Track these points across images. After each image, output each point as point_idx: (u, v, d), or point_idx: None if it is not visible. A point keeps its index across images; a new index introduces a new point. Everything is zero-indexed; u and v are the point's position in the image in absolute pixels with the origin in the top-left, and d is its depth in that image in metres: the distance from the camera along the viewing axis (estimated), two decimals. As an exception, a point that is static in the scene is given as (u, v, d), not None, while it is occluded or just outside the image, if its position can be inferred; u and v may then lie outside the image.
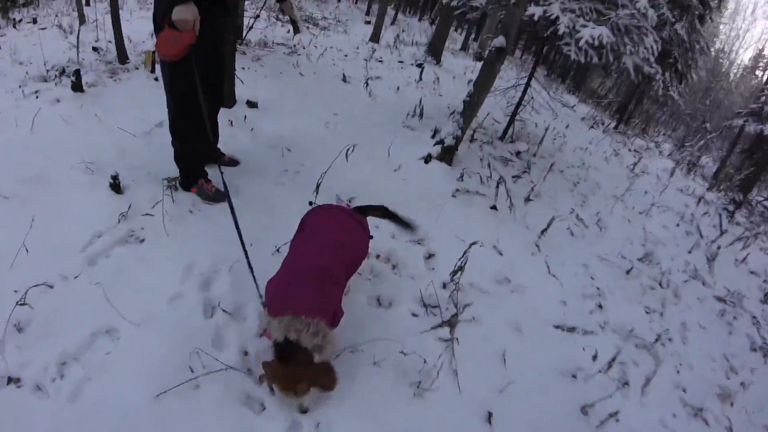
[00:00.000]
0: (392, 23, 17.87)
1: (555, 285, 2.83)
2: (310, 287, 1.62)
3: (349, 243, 1.86)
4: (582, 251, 3.40)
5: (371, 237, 2.09)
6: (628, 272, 3.35)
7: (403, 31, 15.54)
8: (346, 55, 8.07)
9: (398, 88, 6.17)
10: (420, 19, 22.79)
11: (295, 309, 1.53)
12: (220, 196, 2.66)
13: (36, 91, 3.62)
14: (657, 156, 9.48)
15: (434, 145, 3.67)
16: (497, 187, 3.39)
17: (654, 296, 3.25)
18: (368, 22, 14.09)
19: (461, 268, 2.32)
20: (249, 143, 3.35)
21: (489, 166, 3.93)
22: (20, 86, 3.69)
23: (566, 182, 4.68)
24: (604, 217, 4.23)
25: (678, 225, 4.94)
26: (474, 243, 2.40)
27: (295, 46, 7.50)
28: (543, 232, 3.20)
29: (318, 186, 2.76)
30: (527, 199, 3.65)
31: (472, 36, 18.83)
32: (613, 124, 11.15)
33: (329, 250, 1.76)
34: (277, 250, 2.35)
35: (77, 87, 3.61)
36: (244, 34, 6.51)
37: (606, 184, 5.30)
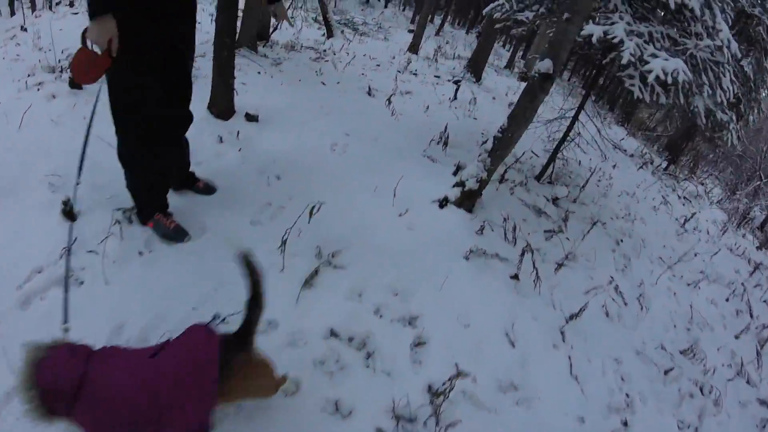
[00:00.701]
0: (437, 33, 17.34)
1: (575, 392, 2.20)
2: None
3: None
4: (617, 340, 2.74)
5: None
6: (666, 373, 2.68)
7: (446, 42, 14.99)
8: (378, 65, 7.59)
9: (428, 107, 5.62)
10: (468, 32, 22.17)
11: None
12: (180, 234, 2.24)
13: (39, 83, 3.34)
14: (707, 204, 8.51)
15: (453, 186, 3.09)
16: (523, 253, 2.77)
17: (692, 406, 2.60)
18: (412, 31, 13.62)
19: (459, 374, 1.75)
20: (235, 166, 2.88)
21: (515, 226, 3.31)
22: (28, 75, 3.45)
23: (608, 239, 4.00)
24: (648, 288, 3.54)
25: (727, 300, 4.21)
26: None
27: (324, 51, 7.07)
28: (573, 317, 2.57)
29: (284, 241, 2.23)
30: (559, 266, 3.01)
31: (520, 53, 18.07)
32: (662, 163, 10.21)
33: None
34: (222, 320, 1.85)
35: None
36: (269, 34, 6.12)
37: (653, 242, 4.58)
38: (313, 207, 2.45)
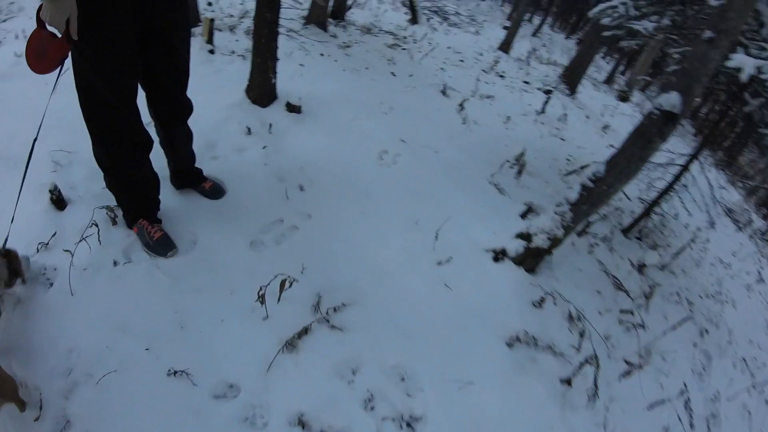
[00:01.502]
0: (534, 34, 16.00)
1: None
2: None
3: None
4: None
5: None
6: None
7: (543, 45, 13.72)
8: (462, 60, 6.85)
9: (509, 117, 4.86)
10: (567, 37, 20.39)
11: None
12: (163, 247, 1.84)
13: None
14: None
15: (517, 236, 2.41)
16: (584, 361, 2.06)
17: None
18: (507, 28, 12.57)
19: None
20: (255, 166, 2.40)
21: (580, 315, 2.57)
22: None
23: (693, 328, 3.12)
24: (723, 405, 2.69)
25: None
26: None
27: (404, 38, 6.45)
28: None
29: (282, 286, 1.71)
30: (627, 373, 2.25)
31: (622, 68, 16.26)
32: (761, 225, 8.56)
33: None
34: (172, 374, 1.38)
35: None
36: (345, 11, 5.61)
37: (740, 334, 3.62)
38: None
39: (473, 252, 2.37)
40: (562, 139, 5.12)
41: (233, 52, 3.66)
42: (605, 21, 4.56)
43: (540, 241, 2.33)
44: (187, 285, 1.76)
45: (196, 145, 2.28)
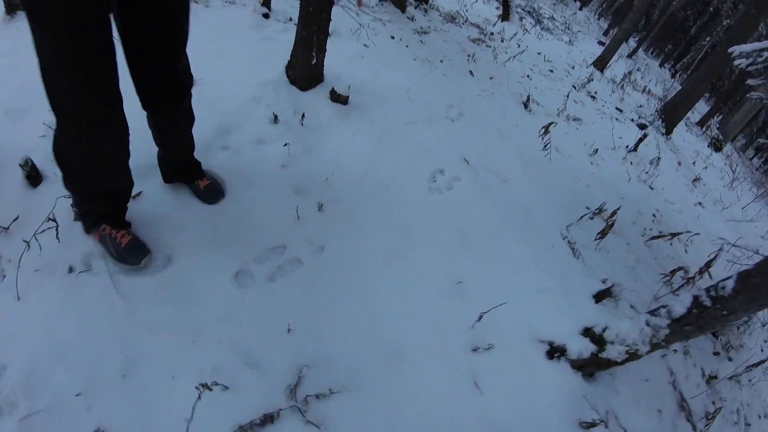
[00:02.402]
0: (629, 56, 14.51)
1: None
2: None
3: None
4: None
5: None
6: None
7: (638, 70, 12.36)
8: (551, 71, 6.05)
9: (596, 150, 4.11)
10: (662, 65, 18.50)
11: None
12: (135, 254, 1.43)
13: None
14: None
15: (583, 333, 1.80)
16: None
17: None
18: (602, 44, 11.38)
19: None
20: (270, 168, 1.90)
21: None
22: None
23: None
24: None
25: None
26: None
27: (491, 34, 5.72)
28: None
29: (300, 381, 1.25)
30: None
31: (719, 113, 14.59)
32: None
33: None
34: None
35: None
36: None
37: None
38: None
39: (523, 340, 1.77)
40: (651, 188, 4.31)
41: (290, 19, 3.14)
42: (743, 63, 3.65)
43: (615, 353, 1.70)
44: (144, 317, 1.35)
45: (207, 128, 1.82)
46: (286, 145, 1.94)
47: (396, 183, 2.18)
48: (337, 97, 2.34)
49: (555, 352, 1.78)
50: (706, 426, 2.25)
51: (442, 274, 1.83)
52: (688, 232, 2.89)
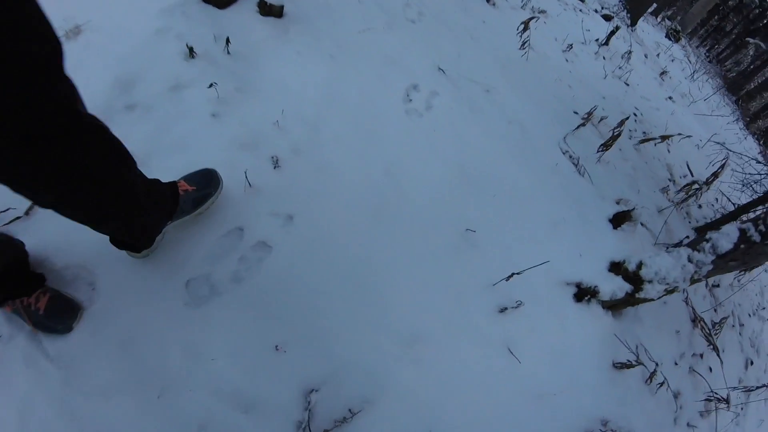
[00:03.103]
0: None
1: None
2: None
3: None
4: None
5: None
6: None
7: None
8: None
9: (570, 46, 3.69)
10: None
11: None
12: (61, 317, 1.01)
13: None
14: None
15: (611, 269, 1.52)
16: None
17: None
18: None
19: None
20: (196, 122, 1.37)
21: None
22: None
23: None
24: None
25: None
26: None
27: None
28: None
29: None
30: None
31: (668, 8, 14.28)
32: None
33: None
34: None
35: None
36: None
37: None
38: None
39: (549, 286, 1.47)
40: (627, 84, 4.02)
41: None
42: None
43: (653, 292, 1.45)
44: (87, 382, 0.94)
45: (102, 87, 1.25)
46: (212, 85, 1.36)
47: (366, 111, 1.68)
48: (268, 9, 1.70)
49: (584, 294, 1.50)
50: (715, 335, 2.15)
51: (446, 223, 1.44)
52: (680, 134, 2.63)
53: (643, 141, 2.86)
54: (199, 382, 0.96)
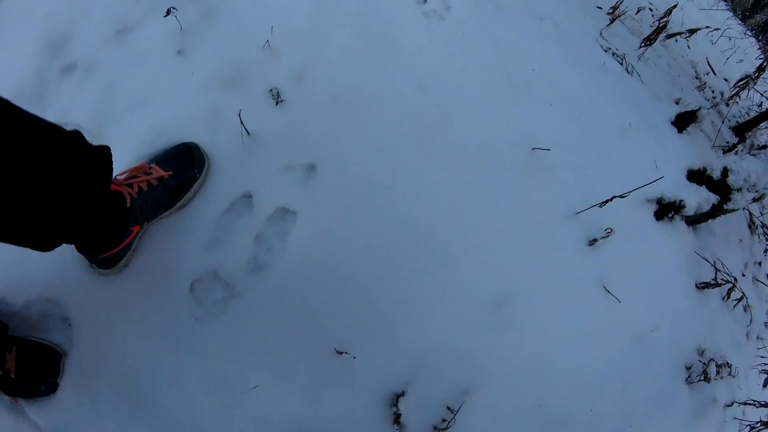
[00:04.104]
0: None
1: None
2: None
3: None
4: None
5: None
6: None
7: None
8: None
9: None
10: None
11: None
12: (37, 381, 0.74)
13: None
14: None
15: (689, 178, 1.28)
16: None
17: None
18: None
19: None
20: (154, 70, 1.01)
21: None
22: None
23: None
24: None
25: None
26: None
27: None
28: None
29: None
30: None
31: None
32: None
33: None
34: None
35: None
36: None
37: None
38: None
39: (630, 207, 1.22)
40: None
41: None
42: None
43: (742, 201, 1.21)
44: None
45: (29, 50, 0.90)
46: (169, 12, 0.98)
47: (373, 17, 1.31)
48: None
49: (667, 210, 1.27)
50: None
51: (506, 143, 1.15)
52: (707, 27, 2.35)
53: (670, 36, 2.56)
54: (245, 422, 0.72)
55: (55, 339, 0.79)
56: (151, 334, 0.82)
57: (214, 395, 0.80)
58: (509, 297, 0.96)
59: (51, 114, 0.96)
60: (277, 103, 1.03)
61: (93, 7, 1.06)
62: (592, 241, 1.06)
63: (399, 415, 0.80)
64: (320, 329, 0.87)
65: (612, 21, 2.04)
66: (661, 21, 1.88)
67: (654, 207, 1.27)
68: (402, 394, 0.84)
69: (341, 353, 0.84)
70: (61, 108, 0.96)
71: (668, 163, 1.36)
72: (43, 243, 0.64)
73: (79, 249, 0.76)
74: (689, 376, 1.18)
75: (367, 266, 0.93)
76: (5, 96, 0.54)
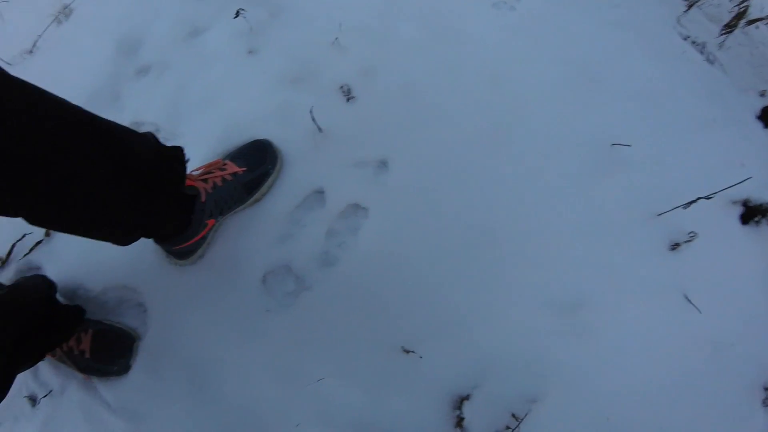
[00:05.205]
0: None
1: None
2: None
3: None
4: None
5: None
6: None
7: None
8: None
9: None
10: None
11: None
12: (111, 360, 0.80)
13: None
14: None
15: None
16: None
17: None
18: None
19: None
20: (226, 68, 1.05)
21: None
22: None
23: None
24: None
25: None
26: None
27: None
28: None
29: None
30: None
31: None
32: None
33: None
34: None
35: None
36: None
37: None
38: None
39: (714, 209, 1.15)
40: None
41: None
42: None
43: None
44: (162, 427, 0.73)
45: (102, 57, 0.95)
46: (238, 14, 1.01)
47: (442, 9, 1.29)
48: None
49: (754, 213, 1.18)
50: None
51: (581, 138, 1.11)
52: None
53: (751, 22, 2.36)
54: (307, 414, 0.74)
55: (130, 323, 0.85)
56: (222, 322, 0.85)
57: (279, 385, 0.83)
58: (583, 301, 0.93)
59: (128, 113, 1.02)
60: (348, 99, 1.04)
61: (162, 11, 1.11)
62: (675, 245, 1.01)
63: (462, 419, 0.80)
64: (388, 326, 0.88)
65: (689, 7, 1.91)
66: (741, 5, 1.74)
67: (740, 210, 1.19)
68: (467, 397, 0.84)
69: (408, 352, 0.84)
70: (137, 107, 1.02)
71: (755, 161, 1.26)
72: (123, 239, 0.69)
73: (156, 241, 0.81)
74: (767, 398, 1.11)
75: (437, 264, 0.93)
76: (84, 98, 0.58)
